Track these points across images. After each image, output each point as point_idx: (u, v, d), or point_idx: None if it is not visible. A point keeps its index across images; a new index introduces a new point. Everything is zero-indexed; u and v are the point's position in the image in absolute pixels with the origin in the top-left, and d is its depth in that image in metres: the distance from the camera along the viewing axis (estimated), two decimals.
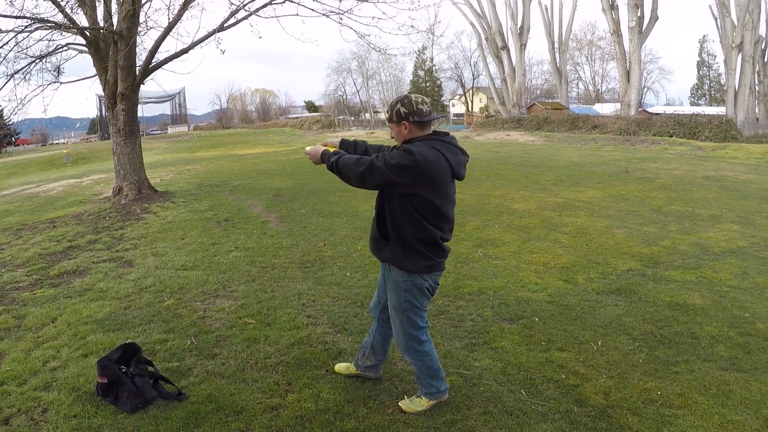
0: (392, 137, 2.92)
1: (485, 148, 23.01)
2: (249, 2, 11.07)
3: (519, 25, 34.60)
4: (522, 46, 34.82)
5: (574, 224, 8.02)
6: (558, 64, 37.23)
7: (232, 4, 11.13)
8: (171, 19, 10.69)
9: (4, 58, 10.24)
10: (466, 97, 60.76)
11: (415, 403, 3.15)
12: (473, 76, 59.33)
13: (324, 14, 11.71)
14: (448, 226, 2.92)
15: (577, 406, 3.18)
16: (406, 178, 2.68)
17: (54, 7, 10.70)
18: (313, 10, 11.78)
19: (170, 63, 11.50)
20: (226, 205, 10.54)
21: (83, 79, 12.10)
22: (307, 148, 3.07)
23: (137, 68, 11.15)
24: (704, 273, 5.73)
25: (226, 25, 11.24)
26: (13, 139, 60.23)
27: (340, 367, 3.62)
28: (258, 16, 11.38)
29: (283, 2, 11.51)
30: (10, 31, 9.85)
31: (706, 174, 13.50)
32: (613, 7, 30.64)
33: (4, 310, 5.18)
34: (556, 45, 36.67)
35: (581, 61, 69.28)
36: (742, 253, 6.54)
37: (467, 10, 36.63)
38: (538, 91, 63.09)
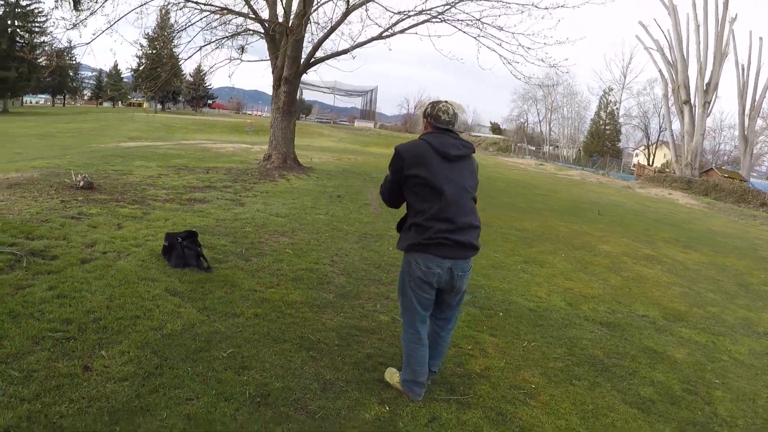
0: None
1: (636, 199, 22.37)
2: (404, 19, 12.75)
3: (705, 81, 32.52)
4: (705, 104, 32.53)
5: (638, 271, 7.81)
6: (746, 132, 34.30)
7: (382, 19, 12.88)
8: (332, 24, 12.84)
9: (202, 29, 13.18)
10: (648, 149, 57.50)
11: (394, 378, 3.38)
12: (660, 128, 55.97)
13: (474, 38, 12.98)
14: (443, 204, 3.01)
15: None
16: (395, 166, 3.11)
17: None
18: (466, 33, 13.11)
19: (333, 60, 13.62)
20: (348, 187, 12.23)
21: (260, 60, 14.77)
22: None
23: (301, 59, 13.42)
24: (718, 340, 5.23)
25: (384, 34, 13.07)
26: (209, 102, 69.83)
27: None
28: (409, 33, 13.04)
29: (441, 22, 13.03)
30: (210, 7, 12.65)
31: None
32: None
33: (139, 208, 7.30)
34: (747, 110, 33.85)
35: None
36: None
37: (658, 56, 35.23)
38: (726, 157, 57.57)
